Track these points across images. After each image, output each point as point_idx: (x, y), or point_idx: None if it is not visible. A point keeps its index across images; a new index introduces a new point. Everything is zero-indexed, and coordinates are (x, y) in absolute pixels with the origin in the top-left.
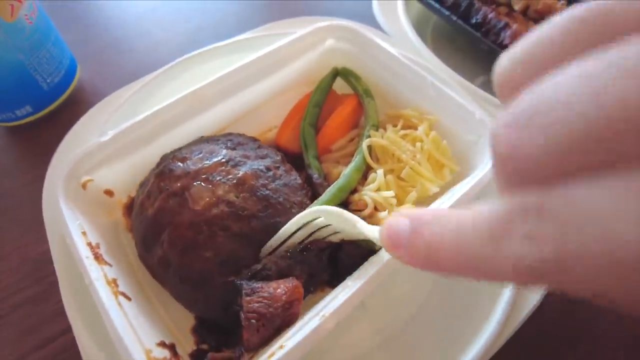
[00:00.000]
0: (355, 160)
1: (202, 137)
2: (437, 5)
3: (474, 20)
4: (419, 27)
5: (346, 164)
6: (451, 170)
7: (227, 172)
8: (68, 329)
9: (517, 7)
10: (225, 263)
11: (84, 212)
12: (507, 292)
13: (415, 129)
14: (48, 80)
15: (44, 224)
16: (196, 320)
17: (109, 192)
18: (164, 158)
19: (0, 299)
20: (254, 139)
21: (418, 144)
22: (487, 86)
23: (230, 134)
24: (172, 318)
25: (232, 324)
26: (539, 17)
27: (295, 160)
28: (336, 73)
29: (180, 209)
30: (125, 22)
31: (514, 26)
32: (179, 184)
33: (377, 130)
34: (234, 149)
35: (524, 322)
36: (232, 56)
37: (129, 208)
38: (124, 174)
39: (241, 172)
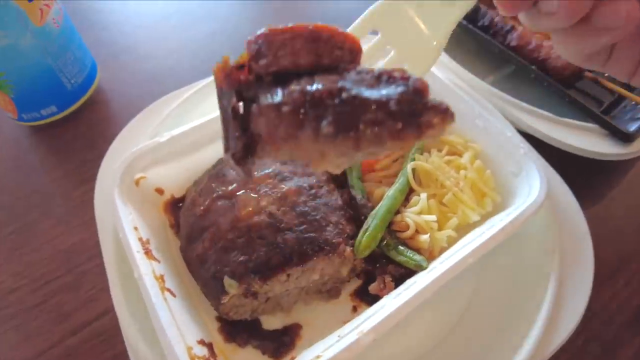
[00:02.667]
0: (400, 182)
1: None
2: None
3: (480, 23)
4: None
5: (388, 184)
6: (492, 200)
7: (274, 186)
8: (100, 316)
9: None
10: (256, 270)
11: (136, 208)
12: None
13: (460, 156)
14: (72, 81)
15: (95, 217)
16: (219, 321)
17: (160, 190)
18: (220, 161)
19: (35, 288)
20: None
21: (462, 172)
22: (498, 84)
23: None
24: (209, 317)
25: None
26: None
27: (341, 176)
28: None
29: (226, 212)
30: (140, 27)
31: (520, 29)
32: (229, 189)
33: (421, 153)
34: (284, 163)
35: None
36: None
37: (170, 206)
38: (175, 174)
39: (286, 187)
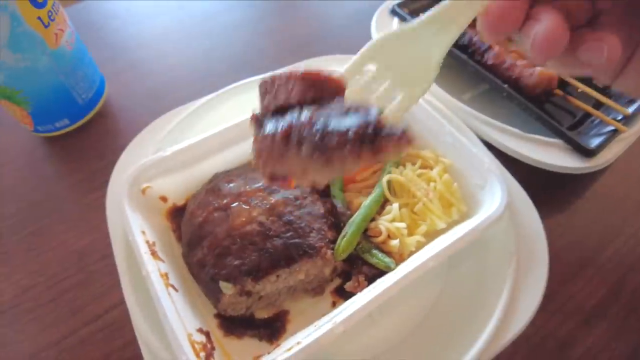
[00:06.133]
0: (376, 193)
1: (249, 162)
2: None
3: (460, 42)
4: None
5: (367, 194)
6: (458, 210)
7: (264, 198)
8: (110, 309)
9: None
10: (249, 272)
11: (143, 214)
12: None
13: (431, 169)
14: (83, 96)
15: (107, 223)
16: (218, 317)
17: (164, 198)
18: (216, 176)
19: (50, 285)
20: None
21: (432, 184)
22: (473, 102)
23: None
24: (209, 311)
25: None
26: None
27: (325, 188)
28: None
29: (222, 222)
30: (142, 44)
31: (496, 48)
32: (224, 202)
33: (397, 167)
34: None
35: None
36: None
37: (172, 213)
38: (176, 184)
39: (274, 199)
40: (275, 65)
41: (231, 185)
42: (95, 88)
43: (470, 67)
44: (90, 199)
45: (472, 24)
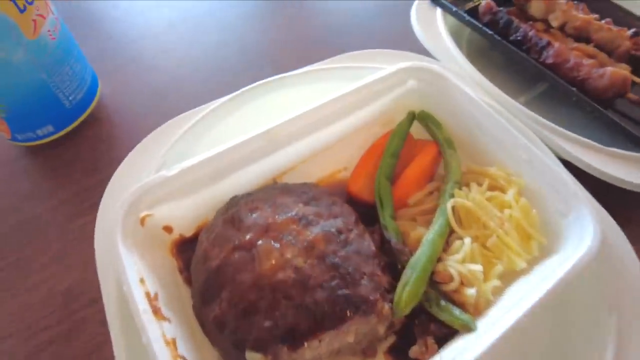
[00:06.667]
0: (439, 223)
1: (275, 181)
2: (478, 24)
3: (512, 38)
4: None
5: (424, 222)
6: (539, 243)
7: (298, 233)
8: None
9: (554, 23)
10: (285, 337)
11: (141, 251)
12: None
13: (501, 190)
14: (70, 98)
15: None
16: None
17: (168, 229)
18: (234, 202)
19: (29, 335)
20: (329, 193)
21: (506, 211)
22: (532, 104)
23: (305, 184)
24: None
25: None
26: (577, 33)
27: (368, 211)
28: (413, 117)
29: (245, 266)
30: (145, 36)
31: (556, 45)
32: (247, 237)
33: (460, 188)
34: (307, 203)
35: None
36: (295, 88)
37: (178, 247)
38: (185, 210)
39: (312, 234)
40: (298, 62)
41: (255, 214)
42: (86, 88)
43: (530, 66)
44: (79, 225)
45: (525, 17)
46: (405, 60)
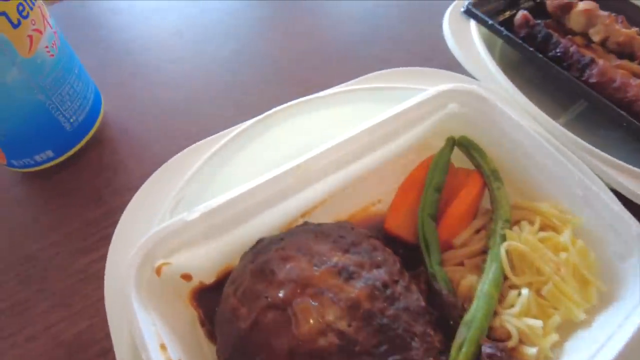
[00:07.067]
0: (493, 271)
1: (306, 222)
2: (517, 39)
3: (552, 54)
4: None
5: (473, 267)
6: (598, 290)
7: (340, 289)
8: None
9: (596, 38)
10: None
11: (157, 304)
12: None
13: (554, 229)
14: (71, 120)
15: (105, 305)
16: None
17: (187, 276)
18: (261, 246)
19: None
20: (368, 235)
21: (562, 254)
22: (571, 126)
23: (341, 226)
24: None
25: None
26: (620, 49)
27: (409, 251)
28: (453, 144)
29: (280, 330)
30: (150, 46)
31: (600, 62)
32: (281, 294)
33: (510, 227)
34: (346, 251)
35: None
36: (323, 111)
37: (198, 295)
38: (206, 256)
39: (355, 290)
40: (319, 75)
41: (288, 265)
42: (88, 108)
43: (573, 85)
44: (84, 264)
45: (563, 30)
46: (440, 79)
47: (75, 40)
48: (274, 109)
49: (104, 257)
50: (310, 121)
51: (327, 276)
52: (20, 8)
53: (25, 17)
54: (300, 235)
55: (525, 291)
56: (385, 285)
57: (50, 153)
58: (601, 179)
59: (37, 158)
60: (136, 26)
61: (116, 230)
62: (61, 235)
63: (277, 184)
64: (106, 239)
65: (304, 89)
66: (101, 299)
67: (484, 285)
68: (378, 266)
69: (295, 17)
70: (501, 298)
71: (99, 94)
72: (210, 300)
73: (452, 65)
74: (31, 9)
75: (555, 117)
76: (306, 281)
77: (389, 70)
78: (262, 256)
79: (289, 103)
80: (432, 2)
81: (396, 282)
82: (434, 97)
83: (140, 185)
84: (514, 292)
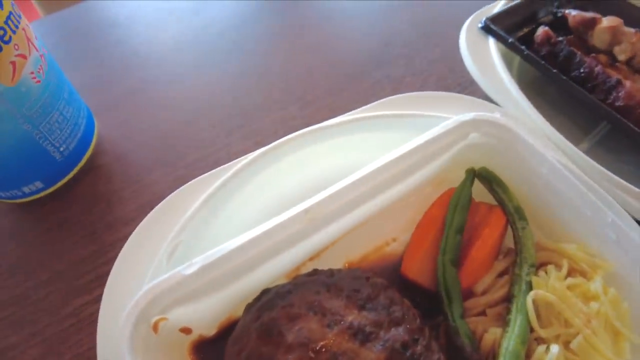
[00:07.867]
0: (519, 326)
1: (315, 270)
2: (539, 59)
3: (575, 74)
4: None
5: (496, 317)
6: (631, 342)
7: (355, 353)
8: None
9: (621, 57)
10: None
11: None
12: None
13: (583, 275)
14: (61, 149)
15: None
16: None
17: (186, 330)
18: (267, 300)
19: None
20: (384, 286)
21: (593, 304)
22: (594, 152)
23: (355, 276)
24: None
25: None
26: None
27: (426, 298)
28: (474, 177)
29: None
30: (146, 63)
31: (628, 84)
32: (290, 359)
33: (536, 272)
34: (362, 307)
35: None
36: (334, 140)
37: (198, 349)
38: (206, 310)
39: (373, 354)
40: (328, 96)
41: (297, 326)
42: (80, 134)
43: (598, 109)
44: (76, 307)
45: (586, 48)
46: (457, 105)
47: (68, 55)
48: (279, 140)
49: (97, 299)
50: (321, 152)
51: (341, 339)
52: (1, 33)
53: (7, 42)
54: (310, 288)
55: (555, 349)
56: (404, 346)
57: (39, 184)
58: (628, 212)
59: (26, 189)
60: (132, 41)
61: (108, 281)
62: (50, 275)
63: (283, 231)
64: (100, 279)
65: (313, 111)
66: (93, 347)
67: (510, 342)
68: (397, 324)
69: (301, 32)
70: (529, 353)
71: (92, 117)
72: (211, 352)
73: (467, 83)
74: (14, 32)
75: (576, 141)
76: (318, 345)
77: (403, 95)
78: (268, 313)
79: (297, 133)
80: (446, 16)
81: (416, 340)
82: (454, 128)
83: (136, 218)
84: (541, 348)
